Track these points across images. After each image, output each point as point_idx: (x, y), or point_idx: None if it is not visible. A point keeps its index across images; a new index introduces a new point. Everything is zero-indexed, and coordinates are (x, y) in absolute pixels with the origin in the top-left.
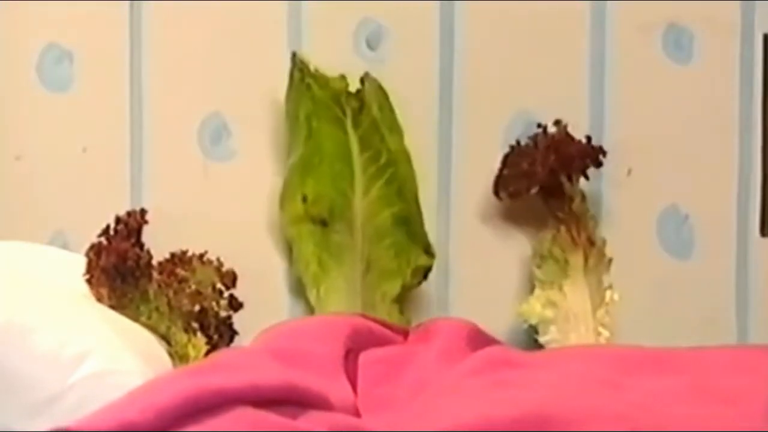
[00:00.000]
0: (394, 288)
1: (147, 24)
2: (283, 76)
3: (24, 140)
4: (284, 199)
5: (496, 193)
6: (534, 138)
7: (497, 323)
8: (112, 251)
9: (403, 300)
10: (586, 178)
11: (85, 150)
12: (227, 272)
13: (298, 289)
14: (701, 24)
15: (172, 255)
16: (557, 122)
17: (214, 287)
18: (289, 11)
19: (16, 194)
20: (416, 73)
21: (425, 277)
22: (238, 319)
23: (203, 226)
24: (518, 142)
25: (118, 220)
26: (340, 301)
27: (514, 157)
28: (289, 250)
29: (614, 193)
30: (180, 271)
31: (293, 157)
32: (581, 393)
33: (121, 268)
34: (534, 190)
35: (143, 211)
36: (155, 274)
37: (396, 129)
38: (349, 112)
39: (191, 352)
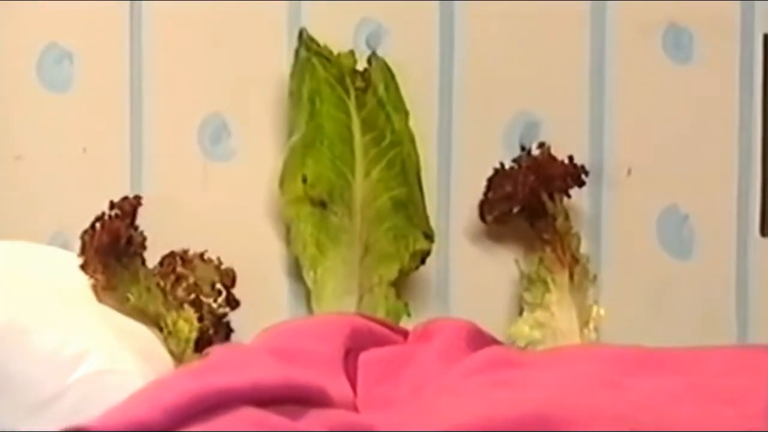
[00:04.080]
0: (391, 271)
1: (147, 24)
2: (284, 76)
3: (24, 140)
4: (284, 179)
5: (482, 217)
6: (518, 160)
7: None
8: (104, 231)
9: (400, 284)
10: (568, 196)
11: (85, 150)
12: (227, 271)
13: (296, 270)
14: (701, 24)
15: (173, 253)
16: (541, 144)
17: (213, 286)
18: (289, 11)
19: (16, 194)
20: (416, 73)
21: (423, 261)
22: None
23: (203, 225)
24: (502, 165)
25: (112, 204)
26: (337, 283)
27: (497, 179)
28: (287, 230)
29: (614, 193)
30: (180, 269)
31: (294, 136)
32: (581, 393)
33: (114, 246)
34: (515, 210)
35: (138, 197)
36: (156, 269)
37: (401, 109)
38: (353, 93)
39: (184, 327)
